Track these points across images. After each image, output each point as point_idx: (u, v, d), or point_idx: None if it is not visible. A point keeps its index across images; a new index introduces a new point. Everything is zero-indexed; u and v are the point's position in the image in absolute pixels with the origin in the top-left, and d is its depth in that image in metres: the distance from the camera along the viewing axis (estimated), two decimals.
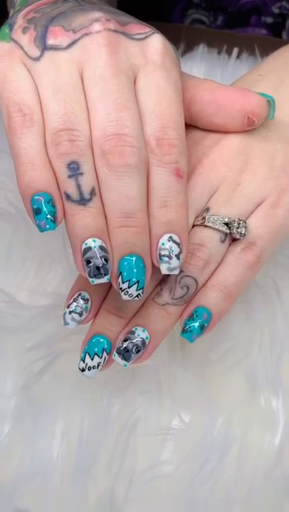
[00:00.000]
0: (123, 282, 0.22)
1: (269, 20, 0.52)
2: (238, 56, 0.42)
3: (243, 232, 0.25)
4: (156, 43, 0.24)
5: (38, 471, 0.26)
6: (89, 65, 0.23)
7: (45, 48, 0.23)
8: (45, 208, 0.22)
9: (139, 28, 0.24)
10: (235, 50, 0.42)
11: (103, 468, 0.26)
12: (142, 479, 0.25)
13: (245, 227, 0.25)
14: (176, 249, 0.23)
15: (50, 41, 0.23)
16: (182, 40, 0.42)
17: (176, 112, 0.23)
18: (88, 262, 0.22)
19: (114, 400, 0.27)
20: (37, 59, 0.23)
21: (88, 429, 0.26)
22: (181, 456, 0.26)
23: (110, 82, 0.22)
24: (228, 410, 0.27)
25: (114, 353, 0.24)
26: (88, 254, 0.22)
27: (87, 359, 0.24)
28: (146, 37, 0.24)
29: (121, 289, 0.23)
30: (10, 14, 0.37)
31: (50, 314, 0.29)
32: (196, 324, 0.25)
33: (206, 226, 0.25)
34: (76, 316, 0.24)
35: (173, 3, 0.55)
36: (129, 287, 0.22)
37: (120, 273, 0.22)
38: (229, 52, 0.42)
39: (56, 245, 0.31)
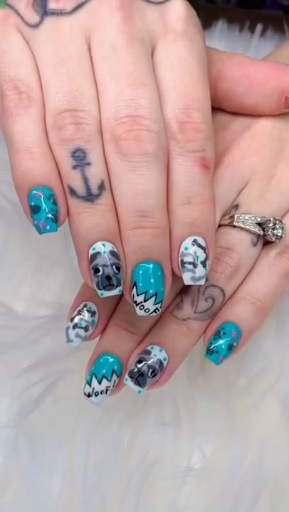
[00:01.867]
0: (138, 295, 0.20)
1: (287, 2, 0.48)
2: (262, 34, 0.39)
3: (279, 234, 0.23)
4: (177, 7, 0.21)
5: None
6: (98, 32, 0.20)
7: (45, 12, 0.20)
8: (44, 206, 0.19)
9: None
10: (259, 27, 0.38)
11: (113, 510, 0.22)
12: None
13: (282, 228, 0.23)
14: (201, 255, 0.20)
15: (52, 4, 0.20)
16: (200, 15, 0.38)
17: (201, 90, 0.21)
18: (96, 270, 0.19)
19: (124, 430, 0.25)
20: (35, 26, 0.20)
21: (95, 465, 0.24)
22: (203, 500, 0.23)
23: (124, 53, 0.20)
24: (259, 443, 0.24)
25: (126, 376, 0.22)
26: (96, 261, 0.19)
27: (94, 382, 0.22)
28: (166, 0, 0.21)
29: (136, 302, 0.20)
30: None
31: (49, 327, 0.26)
32: (223, 343, 0.22)
33: (234, 226, 0.23)
34: (81, 332, 0.22)
35: None
36: (145, 300, 0.20)
37: (135, 283, 0.20)
38: (252, 30, 0.38)
39: (57, 246, 0.28)
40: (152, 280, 0.20)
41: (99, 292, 0.20)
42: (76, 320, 0.22)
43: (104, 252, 0.19)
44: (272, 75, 0.23)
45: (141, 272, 0.20)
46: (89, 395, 0.22)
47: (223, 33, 0.38)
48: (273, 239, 0.23)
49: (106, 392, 0.22)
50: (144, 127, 0.19)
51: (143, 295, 0.20)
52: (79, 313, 0.22)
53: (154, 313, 0.20)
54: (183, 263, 0.20)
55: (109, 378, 0.22)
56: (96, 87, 0.20)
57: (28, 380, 0.25)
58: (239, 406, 0.25)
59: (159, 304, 0.20)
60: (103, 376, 0.22)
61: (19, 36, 0.21)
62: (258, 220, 0.23)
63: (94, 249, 0.19)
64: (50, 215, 0.19)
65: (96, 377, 0.22)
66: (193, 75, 0.21)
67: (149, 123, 0.19)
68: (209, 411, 0.25)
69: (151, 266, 0.20)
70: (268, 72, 0.23)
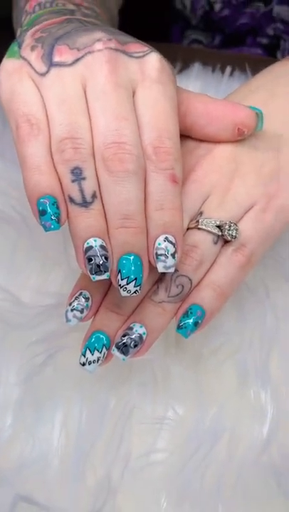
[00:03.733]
0: (122, 279, 0.24)
1: (264, 40, 0.54)
2: (231, 74, 0.44)
3: (234, 234, 0.26)
4: (153, 60, 0.25)
5: (39, 458, 0.27)
6: (91, 79, 0.24)
7: (51, 64, 0.25)
8: (50, 210, 0.23)
9: (137, 46, 0.26)
10: (228, 69, 0.44)
11: (100, 455, 0.27)
12: (137, 465, 0.26)
13: (236, 230, 0.26)
14: (171, 249, 0.24)
15: (56, 58, 0.25)
16: (179, 59, 0.44)
17: (171, 123, 0.25)
18: (90, 260, 0.23)
19: (111, 393, 0.28)
20: (44, 74, 0.25)
21: (86, 420, 0.28)
22: (174, 445, 0.27)
23: (111, 96, 0.24)
24: (219, 402, 0.29)
25: (114, 347, 0.26)
26: (90, 253, 0.23)
27: (88, 354, 0.25)
28: (145, 55, 0.25)
29: (120, 285, 0.24)
30: (17, 32, 0.39)
31: (52, 312, 0.30)
32: (191, 321, 0.26)
33: (199, 229, 0.27)
34: (77, 314, 0.26)
35: (172, 25, 0.57)
36: (127, 284, 0.24)
37: (119, 270, 0.24)
38: (223, 71, 0.44)
39: (58, 248, 0.33)
40: (133, 268, 0.23)
41: (91, 277, 0.23)
42: (74, 304, 0.26)
43: (96, 246, 0.23)
44: (227, 111, 0.27)
45: (124, 261, 0.23)
46: (83, 364, 0.25)
47: (198, 73, 0.44)
48: (229, 238, 0.26)
49: (97, 362, 0.25)
50: (126, 151, 0.23)
51: (126, 279, 0.23)
52: (76, 299, 0.26)
53: (134, 294, 0.24)
54: (157, 255, 0.24)
55: (100, 350, 0.25)
56: (90, 121, 0.24)
57: (33, 352, 0.29)
58: (204, 373, 0.29)
59: (138, 287, 0.24)
60: (95, 349, 0.25)
61: (31, 82, 0.25)
62: (217, 223, 0.26)
63: (88, 243, 0.23)
64: (54, 217, 0.23)
65: (90, 350, 0.25)
66: (165, 112, 0.24)
67: (130, 148, 0.23)
68: (181, 376, 0.29)
69: (132, 257, 0.23)
70: (225, 109, 0.27)
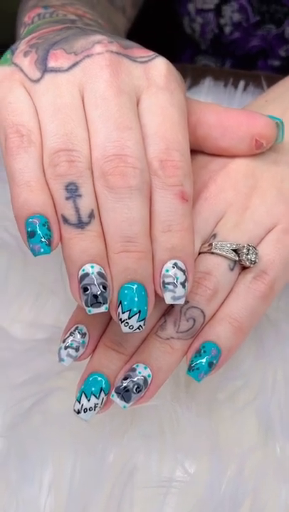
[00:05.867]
0: (123, 312, 0.21)
1: (276, 63, 0.53)
2: (245, 89, 0.42)
3: (253, 259, 0.24)
4: (159, 65, 0.24)
5: None
6: (90, 86, 0.22)
7: (45, 70, 0.23)
8: (39, 231, 0.21)
9: (142, 51, 0.24)
10: (242, 83, 0.42)
11: None
12: None
13: (256, 254, 0.24)
14: (181, 277, 0.21)
15: (51, 63, 0.23)
16: (189, 76, 0.42)
17: (180, 134, 0.23)
18: (85, 289, 0.21)
19: (110, 446, 0.25)
20: (37, 81, 0.23)
21: (80, 478, 0.24)
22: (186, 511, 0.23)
23: (112, 102, 0.22)
24: (238, 459, 0.25)
25: (113, 392, 0.23)
26: (85, 281, 0.21)
27: (83, 399, 0.23)
28: (150, 60, 0.24)
29: (121, 319, 0.21)
30: None
31: (44, 348, 0.28)
32: (204, 361, 0.23)
33: (213, 253, 0.24)
34: (72, 352, 0.23)
35: (181, 51, 0.57)
36: (129, 318, 0.21)
37: (120, 302, 0.21)
38: (235, 86, 0.42)
39: (54, 276, 0.30)
40: (136, 299, 0.21)
41: (87, 309, 0.21)
42: (68, 341, 0.23)
43: (93, 273, 0.21)
44: (243, 121, 0.25)
45: (126, 291, 0.21)
46: (78, 412, 0.22)
47: (210, 89, 0.42)
48: (248, 264, 0.24)
49: (94, 409, 0.23)
50: (129, 164, 0.21)
51: (128, 312, 0.21)
52: (71, 334, 0.23)
53: (137, 330, 0.21)
54: (164, 284, 0.21)
55: (97, 396, 0.23)
56: (88, 131, 0.22)
57: (21, 395, 0.26)
58: (220, 422, 0.25)
59: (142, 322, 0.21)
60: (92, 394, 0.23)
61: (22, 90, 0.23)
62: (234, 246, 0.24)
63: (83, 270, 0.21)
64: (44, 240, 0.21)
65: (85, 395, 0.23)
66: (172, 120, 0.23)
67: (133, 161, 0.21)
68: (191, 426, 0.25)
69: (135, 286, 0.21)
70: (239, 119, 0.25)
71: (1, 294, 0.30)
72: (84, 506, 0.23)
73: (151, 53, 0.24)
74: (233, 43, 0.51)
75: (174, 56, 0.57)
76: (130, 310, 0.21)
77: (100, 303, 0.21)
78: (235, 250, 0.24)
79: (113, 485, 0.24)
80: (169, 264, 0.21)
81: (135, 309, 0.21)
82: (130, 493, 0.23)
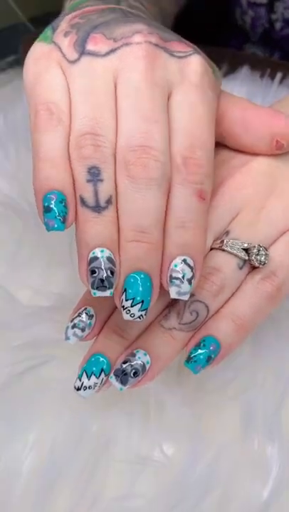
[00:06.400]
0: (126, 300, 0.21)
1: None
2: (281, 82, 0.41)
3: (262, 259, 0.24)
4: (195, 62, 0.23)
5: (4, 478, 0.24)
6: (125, 74, 0.22)
7: (83, 52, 0.23)
8: (55, 207, 0.21)
9: (181, 46, 0.24)
10: (279, 75, 0.40)
11: (67, 488, 0.24)
12: (106, 509, 0.23)
13: (266, 255, 0.24)
14: (188, 273, 0.22)
15: (90, 47, 0.23)
16: (226, 61, 0.41)
17: (206, 133, 0.23)
18: (93, 272, 0.21)
19: (95, 417, 0.25)
20: (74, 62, 0.23)
21: (62, 443, 0.25)
22: (154, 492, 0.24)
23: (144, 94, 0.22)
24: (216, 448, 0.25)
25: (112, 374, 0.23)
26: (94, 264, 0.21)
27: (84, 378, 0.23)
28: (187, 56, 0.24)
29: (123, 307, 0.21)
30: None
31: (46, 316, 0.28)
32: (203, 354, 0.23)
33: (223, 250, 0.24)
34: (78, 332, 0.24)
35: (230, 37, 0.55)
36: (132, 306, 0.21)
37: (125, 290, 0.21)
38: (272, 77, 0.40)
39: (65, 248, 0.30)
40: (141, 289, 0.21)
41: (92, 292, 0.21)
42: (75, 321, 0.24)
43: (102, 257, 0.21)
44: (265, 120, 0.25)
45: (132, 280, 0.21)
46: (78, 389, 0.23)
47: (245, 78, 0.40)
48: (257, 264, 0.24)
49: (93, 388, 0.23)
50: (152, 157, 0.21)
51: (131, 301, 0.21)
52: (79, 315, 0.24)
53: (138, 319, 0.21)
54: (171, 278, 0.21)
55: (97, 376, 0.23)
56: (116, 119, 0.22)
57: (16, 358, 0.26)
58: (204, 410, 0.26)
59: (144, 312, 0.21)
60: (93, 373, 0.23)
61: (58, 69, 0.23)
62: (245, 246, 0.24)
63: (93, 253, 0.21)
64: (59, 216, 0.21)
65: (86, 374, 0.23)
66: (201, 119, 0.22)
67: (157, 154, 0.21)
68: (176, 410, 0.25)
69: (141, 276, 0.21)
70: (262, 117, 0.25)
71: (13, 258, 0.30)
72: (60, 468, 0.24)
73: (189, 49, 0.24)
74: (283, 38, 0.49)
75: (222, 41, 0.55)
76: (134, 298, 0.21)
77: (106, 287, 0.21)
78: (245, 249, 0.24)
79: (91, 453, 0.24)
80: (178, 260, 0.22)
81: (138, 298, 0.21)
82: (106, 463, 0.24)
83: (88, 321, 0.24)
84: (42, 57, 0.24)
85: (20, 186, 0.33)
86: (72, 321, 0.24)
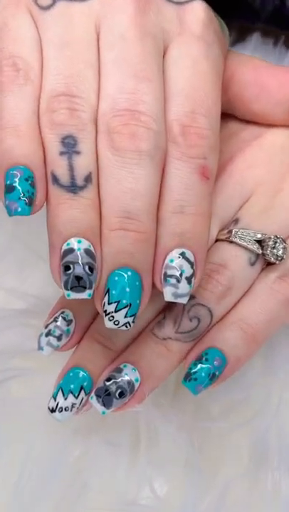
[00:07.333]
0: (109, 303, 0.19)
1: None
2: None
3: (280, 254, 0.21)
4: (198, 9, 0.21)
5: None
6: (109, 21, 0.19)
7: None
8: (19, 186, 0.18)
9: None
10: None
11: None
12: None
13: (284, 248, 0.21)
14: (187, 270, 0.19)
15: None
16: (234, 28, 0.36)
17: (211, 96, 0.20)
18: (67, 268, 0.18)
19: (72, 447, 0.23)
20: (46, 8, 0.20)
21: (30, 478, 0.21)
22: None
23: (132, 45, 0.19)
24: (220, 487, 0.22)
25: (92, 394, 0.21)
26: (68, 258, 0.18)
27: (59, 397, 0.21)
28: (187, 1, 0.21)
29: (106, 312, 0.19)
30: None
31: (19, 320, 0.25)
32: (205, 370, 0.21)
33: (231, 242, 0.21)
34: (53, 340, 0.21)
35: (238, 16, 0.53)
36: (116, 311, 0.18)
37: (108, 290, 0.19)
38: (287, 45, 0.36)
39: (44, 239, 0.27)
40: (128, 289, 0.18)
41: (66, 293, 0.18)
42: (50, 327, 0.21)
43: (79, 249, 0.18)
44: (285, 82, 0.22)
45: (116, 278, 0.18)
46: (53, 410, 0.21)
47: (257, 45, 0.36)
48: (273, 259, 0.21)
49: (71, 410, 0.21)
50: (142, 123, 0.18)
51: (115, 304, 0.18)
52: (54, 320, 0.21)
53: (124, 327, 0.19)
54: (166, 276, 0.19)
55: (76, 395, 0.21)
56: (98, 77, 0.19)
57: None
58: (206, 440, 0.23)
59: (132, 318, 0.19)
60: (70, 391, 0.21)
61: (28, 16, 0.20)
62: (258, 236, 0.21)
63: (68, 244, 0.18)
64: (23, 198, 0.18)
65: (63, 392, 0.21)
66: (205, 79, 0.20)
67: (148, 120, 0.18)
68: (170, 441, 0.22)
69: (128, 274, 0.18)
70: (281, 78, 0.22)
71: None
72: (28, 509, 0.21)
73: None
74: None
75: (232, 21, 0.53)
76: (119, 302, 0.18)
77: (83, 287, 0.18)
78: (259, 241, 0.21)
79: (64, 494, 0.21)
80: (175, 254, 0.19)
81: (124, 302, 0.18)
82: (82, 507, 0.21)
83: (66, 328, 0.21)
84: (9, 3, 0.20)
85: None
86: (46, 327, 0.22)
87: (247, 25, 0.49)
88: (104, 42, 0.19)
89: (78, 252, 0.18)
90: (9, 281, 0.27)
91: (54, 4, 0.20)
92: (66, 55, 0.19)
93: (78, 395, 0.21)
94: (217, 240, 0.22)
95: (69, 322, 0.21)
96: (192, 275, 0.19)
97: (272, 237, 0.21)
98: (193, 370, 0.21)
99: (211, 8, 0.21)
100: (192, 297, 0.21)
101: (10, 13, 0.20)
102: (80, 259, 0.18)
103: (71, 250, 0.18)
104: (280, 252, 0.21)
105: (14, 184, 0.18)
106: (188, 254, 0.19)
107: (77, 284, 0.18)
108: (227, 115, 0.23)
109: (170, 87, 0.19)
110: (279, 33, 0.37)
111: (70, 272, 0.18)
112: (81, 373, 0.21)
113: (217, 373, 0.21)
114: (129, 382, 0.20)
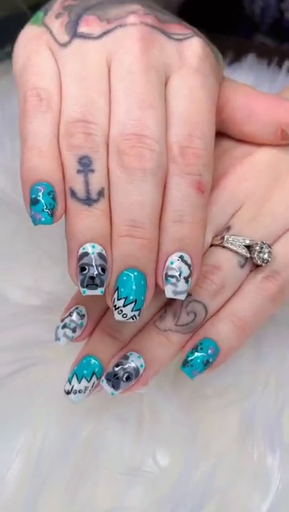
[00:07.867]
0: (118, 299, 0.20)
1: None
2: None
3: (265, 257, 0.23)
4: (195, 45, 0.22)
5: None
6: (118, 57, 0.21)
7: (75, 34, 0.22)
8: (43, 200, 0.20)
9: (179, 28, 0.23)
10: (287, 63, 0.38)
11: (55, 498, 0.23)
12: None
13: (269, 253, 0.23)
14: (185, 271, 0.21)
15: (82, 29, 0.22)
16: (230, 49, 0.39)
17: (206, 121, 0.22)
18: (83, 269, 0.20)
19: (85, 422, 0.24)
20: (64, 45, 0.22)
21: (49, 449, 0.23)
22: (148, 503, 0.23)
23: (138, 78, 0.21)
24: (213, 457, 0.24)
25: (103, 378, 0.22)
26: (84, 261, 0.20)
27: (74, 381, 0.22)
28: (186, 38, 0.22)
29: (115, 306, 0.20)
30: None
31: (35, 316, 0.27)
32: (200, 358, 0.22)
33: (224, 247, 0.23)
34: (69, 332, 0.23)
35: (239, 27, 0.54)
36: (124, 306, 0.20)
37: (117, 288, 0.20)
38: (280, 65, 0.39)
39: (58, 245, 0.28)
40: (134, 287, 0.20)
41: (82, 290, 0.20)
42: (66, 320, 0.23)
43: (93, 253, 0.20)
44: (271, 108, 0.23)
45: (124, 278, 0.20)
46: (68, 393, 0.22)
47: (252, 66, 0.38)
48: (259, 262, 0.23)
49: (84, 392, 0.22)
50: (147, 146, 0.20)
51: (123, 300, 0.20)
52: (70, 314, 0.23)
53: (131, 320, 0.20)
54: (167, 276, 0.20)
55: (88, 379, 0.22)
56: (109, 105, 0.21)
57: (3, 359, 0.25)
58: (201, 417, 0.25)
59: (137, 312, 0.20)
60: (83, 376, 0.22)
61: (49, 52, 0.22)
62: (247, 242, 0.23)
63: (84, 249, 0.20)
64: (46, 209, 0.20)
65: (77, 377, 0.22)
66: (200, 106, 0.21)
67: (152, 142, 0.20)
68: (171, 418, 0.24)
69: (135, 274, 0.20)
70: (268, 104, 0.24)
71: (4, 255, 0.29)
72: (47, 475, 0.23)
73: (189, 31, 0.23)
74: None
75: (229, 31, 0.53)
76: (126, 298, 0.20)
77: (96, 285, 0.20)
78: (247, 246, 0.23)
79: (80, 460, 0.23)
80: (175, 257, 0.20)
81: (131, 298, 0.20)
82: (95, 472, 0.23)
83: (79, 321, 0.23)
84: (31, 40, 0.23)
85: (15, 180, 0.31)
86: (62, 320, 0.23)
87: (246, 38, 0.51)
88: (114, 75, 0.21)
89: (92, 256, 0.20)
90: (26, 281, 0.29)
91: (71, 42, 0.22)
92: (82, 86, 0.21)
93: (90, 379, 0.22)
94: (212, 245, 0.23)
95: (82, 316, 0.23)
96: (189, 275, 0.20)
97: (259, 242, 0.23)
98: (190, 358, 0.22)
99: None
100: (189, 294, 0.22)
101: (33, 49, 0.22)
102: (94, 261, 0.20)
103: (86, 254, 0.20)
104: (266, 256, 0.22)
105: (38, 198, 0.20)
106: (186, 258, 0.20)
107: (92, 282, 0.20)
108: (221, 134, 0.25)
109: (171, 113, 0.21)
110: (272, 53, 0.39)
111: (85, 272, 0.20)
112: (93, 361, 0.22)
113: (211, 361, 0.22)
114: (135, 368, 0.22)
